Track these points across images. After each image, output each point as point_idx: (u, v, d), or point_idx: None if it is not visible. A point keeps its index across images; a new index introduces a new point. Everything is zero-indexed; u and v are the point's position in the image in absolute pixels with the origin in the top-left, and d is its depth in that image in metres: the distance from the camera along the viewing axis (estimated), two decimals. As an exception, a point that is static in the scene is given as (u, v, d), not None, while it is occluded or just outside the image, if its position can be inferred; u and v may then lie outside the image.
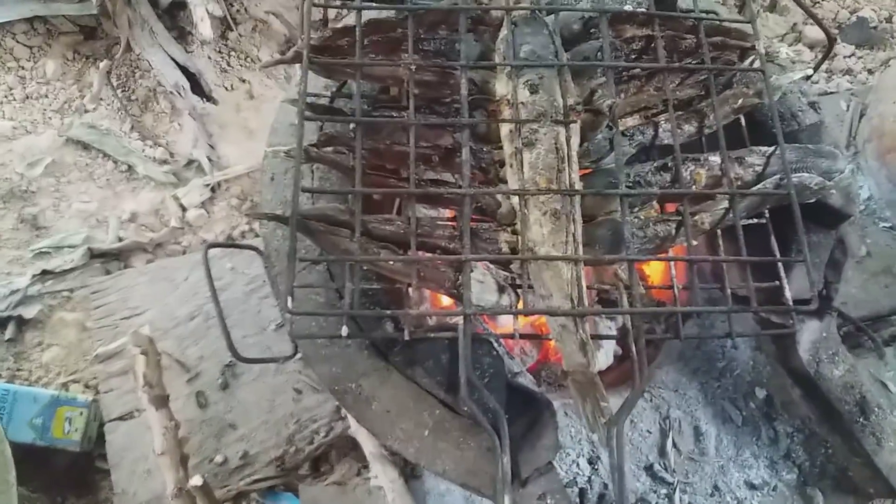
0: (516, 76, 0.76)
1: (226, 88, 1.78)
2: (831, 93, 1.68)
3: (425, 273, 0.71)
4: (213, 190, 1.67)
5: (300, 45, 0.77)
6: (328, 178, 0.82)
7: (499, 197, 0.75)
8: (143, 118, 1.76)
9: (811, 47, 1.84)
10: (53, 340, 1.55)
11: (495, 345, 0.75)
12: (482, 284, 0.71)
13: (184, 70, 1.71)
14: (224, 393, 1.27)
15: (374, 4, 0.81)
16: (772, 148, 0.77)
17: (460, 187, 0.73)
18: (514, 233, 0.73)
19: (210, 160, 1.68)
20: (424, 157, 0.77)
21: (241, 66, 1.82)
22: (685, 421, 0.88)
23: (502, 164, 0.77)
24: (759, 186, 0.75)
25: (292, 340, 0.72)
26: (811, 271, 0.69)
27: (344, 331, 0.69)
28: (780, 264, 0.74)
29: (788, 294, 0.74)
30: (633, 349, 0.73)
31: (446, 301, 1.03)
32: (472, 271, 0.70)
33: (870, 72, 1.79)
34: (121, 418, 1.26)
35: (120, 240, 1.63)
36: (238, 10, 1.85)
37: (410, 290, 0.72)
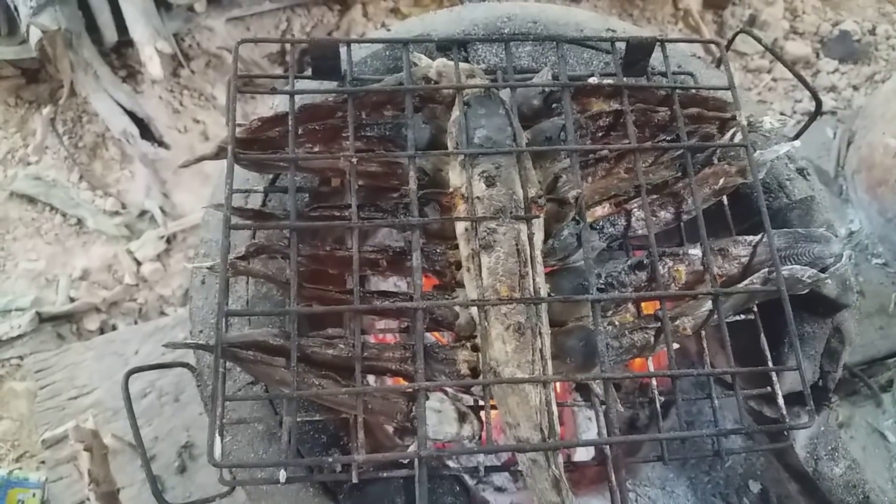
0: (470, 165, 0.68)
1: (179, 131, 1.68)
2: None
3: (374, 404, 0.62)
4: (168, 241, 1.58)
5: (224, 139, 0.68)
6: (266, 284, 0.73)
7: (457, 307, 0.67)
8: (92, 166, 1.66)
9: (793, 63, 1.76)
10: (3, 413, 1.46)
11: (462, 475, 0.67)
12: (440, 414, 0.63)
13: (132, 115, 1.61)
14: (182, 477, 1.18)
15: (308, 88, 0.72)
16: (758, 237, 0.69)
17: (412, 297, 0.64)
18: (475, 349, 0.65)
19: (163, 210, 1.58)
20: (371, 261, 0.68)
21: (194, 105, 1.72)
22: (674, 523, 0.80)
23: (459, 265, 0.68)
24: (745, 283, 0.67)
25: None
26: (807, 384, 0.61)
27: (282, 476, 0.60)
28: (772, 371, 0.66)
29: (782, 402, 0.66)
30: (612, 477, 0.65)
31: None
32: (427, 399, 0.62)
33: (854, 88, 1.71)
34: (71, 509, 1.17)
35: (71, 300, 1.53)
36: (190, 46, 1.74)
37: (358, 422, 0.64)
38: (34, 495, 1.30)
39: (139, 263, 1.57)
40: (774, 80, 1.72)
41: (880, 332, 1.26)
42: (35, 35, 1.55)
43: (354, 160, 0.67)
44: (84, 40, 1.64)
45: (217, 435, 0.60)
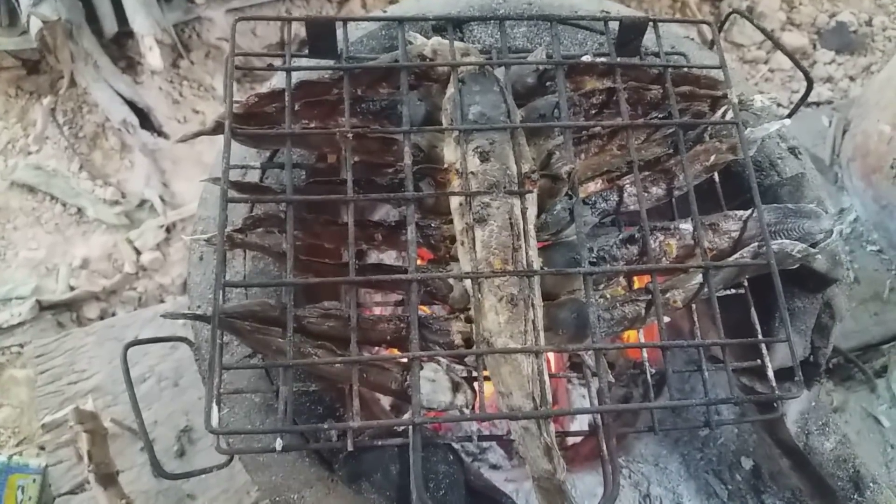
0: (465, 141, 0.69)
1: (178, 121, 1.69)
2: (812, 103, 1.62)
3: (368, 374, 0.63)
4: (167, 230, 1.59)
5: (221, 115, 0.69)
6: (263, 259, 0.74)
7: (451, 280, 0.68)
8: (92, 156, 1.67)
9: (789, 54, 1.77)
10: (4, 400, 1.47)
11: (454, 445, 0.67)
12: (433, 383, 0.64)
13: (132, 105, 1.62)
14: (181, 460, 1.19)
15: (304, 64, 0.73)
16: (748, 212, 0.70)
17: (406, 270, 0.65)
18: (468, 320, 0.66)
19: (163, 199, 1.59)
20: (366, 235, 0.69)
21: (194, 95, 1.73)
22: (667, 499, 0.81)
23: (453, 239, 0.69)
24: (735, 257, 0.68)
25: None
26: (796, 356, 0.62)
27: (278, 444, 0.61)
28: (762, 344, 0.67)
29: (771, 374, 0.67)
30: (603, 446, 0.66)
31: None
32: (421, 369, 0.63)
33: (851, 78, 1.72)
34: (72, 492, 1.18)
35: (71, 289, 1.54)
36: (189, 37, 1.75)
37: (354, 391, 0.64)
38: (34, 481, 1.31)
39: (139, 252, 1.58)
40: (771, 70, 1.73)
41: (875, 319, 1.27)
42: (35, 25, 1.56)
43: (350, 135, 0.68)
44: (84, 31, 1.65)
45: (214, 404, 0.61)
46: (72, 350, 1.28)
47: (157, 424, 1.21)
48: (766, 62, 1.76)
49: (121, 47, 1.75)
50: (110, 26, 1.67)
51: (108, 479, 1.06)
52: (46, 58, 1.69)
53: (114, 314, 1.53)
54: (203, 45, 1.76)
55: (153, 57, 1.65)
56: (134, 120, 1.60)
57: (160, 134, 1.64)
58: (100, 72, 1.62)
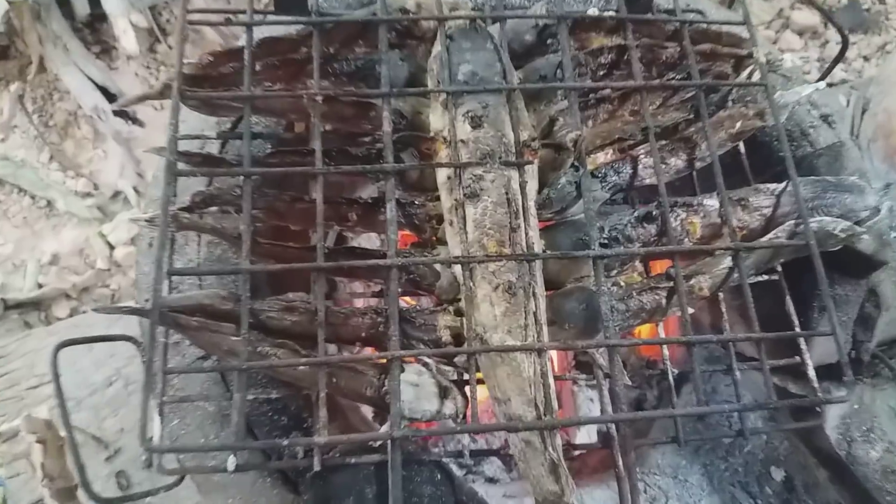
0: (454, 105, 0.59)
1: (154, 108, 1.59)
2: (827, 84, 1.52)
3: (339, 378, 0.53)
4: (143, 224, 1.49)
5: (170, 76, 0.59)
6: (221, 245, 0.64)
7: (437, 265, 0.58)
8: (63, 146, 1.57)
9: (800, 34, 1.68)
10: (-36, 407, 1.36)
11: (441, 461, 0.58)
12: (417, 388, 0.54)
13: (105, 91, 1.52)
14: (149, 472, 1.08)
15: (268, 18, 0.63)
16: (782, 185, 0.60)
17: (385, 255, 0.55)
18: (458, 313, 0.56)
19: (137, 191, 1.49)
20: (338, 214, 0.59)
21: (171, 81, 1.63)
22: (687, 515, 0.72)
23: (440, 219, 0.59)
24: (769, 236, 0.58)
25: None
26: (843, 352, 0.53)
27: (230, 463, 0.51)
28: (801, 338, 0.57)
29: (813, 373, 0.58)
30: (619, 462, 0.56)
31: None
32: (402, 371, 0.53)
33: (865, 58, 1.63)
34: (30, 507, 1.08)
35: (39, 286, 1.45)
36: (167, 20, 1.66)
37: (321, 398, 0.55)
38: (-4, 493, 1.21)
39: (112, 247, 1.49)
40: (781, 50, 1.64)
41: (901, 311, 1.17)
42: (1, 8, 1.47)
43: (319, 99, 0.58)
44: (53, 13, 1.55)
45: (156, 415, 0.52)
46: (32, 352, 1.19)
47: (123, 432, 1.11)
48: (775, 42, 1.67)
49: (94, 31, 1.65)
50: (81, 8, 1.58)
51: (65, 493, 0.96)
52: (14, 42, 1.59)
53: (85, 313, 1.44)
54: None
55: (128, 41, 1.55)
56: (106, 106, 1.50)
57: (134, 121, 1.55)
58: (70, 55, 1.52)
